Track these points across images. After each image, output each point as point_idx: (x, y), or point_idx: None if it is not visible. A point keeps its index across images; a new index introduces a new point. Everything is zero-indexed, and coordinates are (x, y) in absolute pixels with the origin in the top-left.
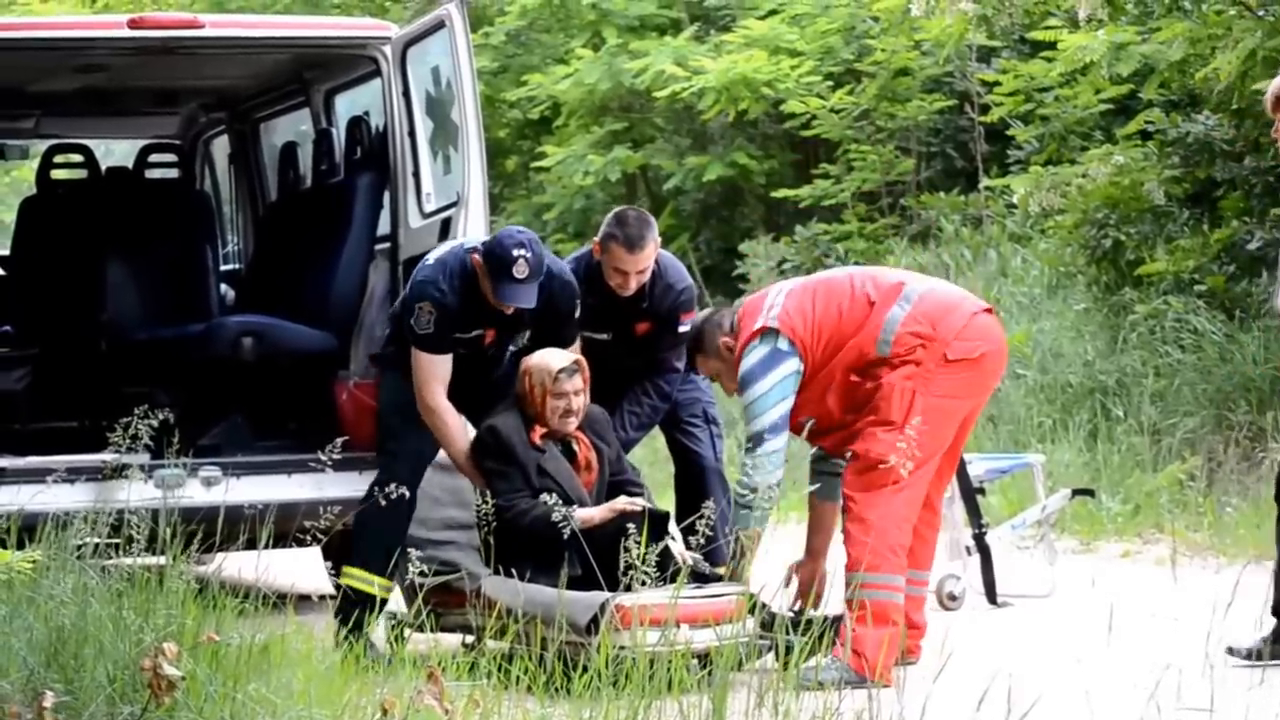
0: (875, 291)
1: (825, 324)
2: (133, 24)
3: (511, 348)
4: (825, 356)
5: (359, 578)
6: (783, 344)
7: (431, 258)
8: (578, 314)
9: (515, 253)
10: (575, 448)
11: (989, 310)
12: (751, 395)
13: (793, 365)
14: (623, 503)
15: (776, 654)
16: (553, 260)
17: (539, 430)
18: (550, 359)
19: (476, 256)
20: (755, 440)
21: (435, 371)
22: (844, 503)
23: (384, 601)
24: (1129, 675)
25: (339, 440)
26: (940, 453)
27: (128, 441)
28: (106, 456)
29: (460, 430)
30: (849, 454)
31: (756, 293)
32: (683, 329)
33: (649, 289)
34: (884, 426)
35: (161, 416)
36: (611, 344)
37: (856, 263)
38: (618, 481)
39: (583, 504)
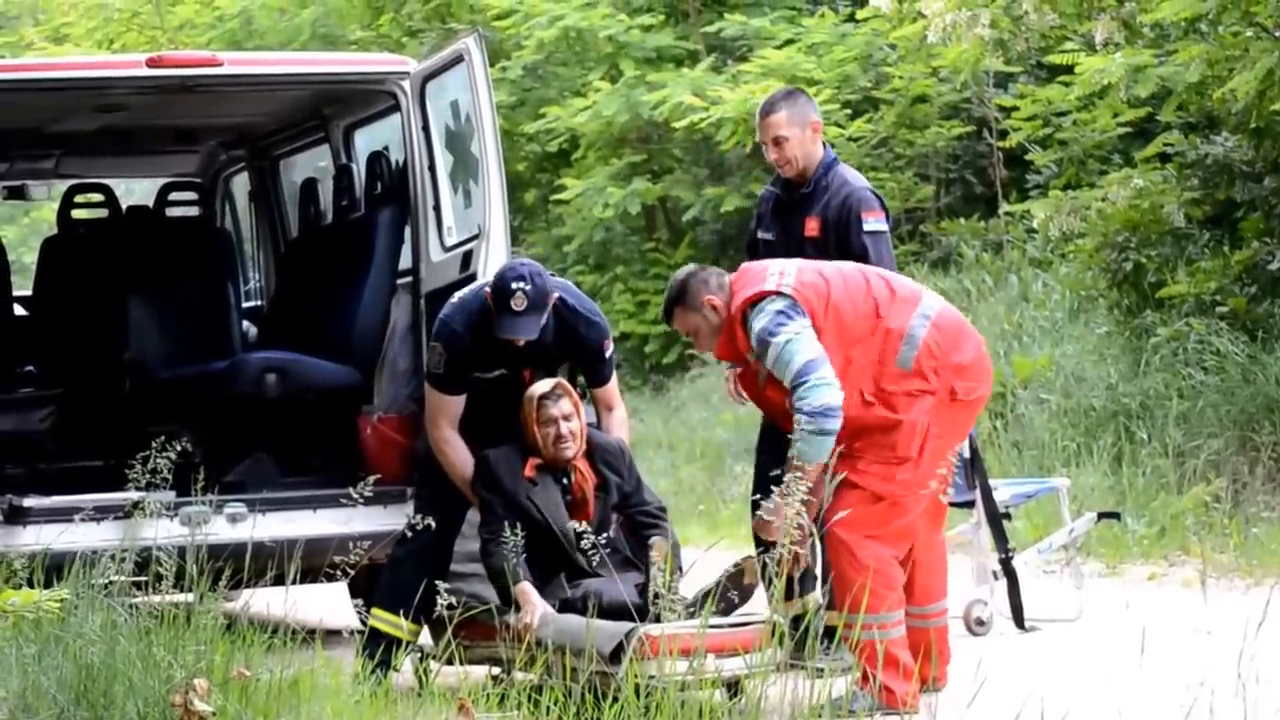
0: (891, 295)
1: (839, 307)
2: (152, 63)
3: None
4: (833, 340)
5: (387, 620)
6: (796, 309)
7: (456, 296)
8: (609, 353)
9: (514, 285)
10: (572, 478)
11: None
12: (778, 345)
13: (807, 323)
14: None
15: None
16: (580, 300)
17: (533, 462)
18: (536, 386)
19: (489, 291)
20: (801, 375)
21: (444, 408)
22: (833, 540)
23: (410, 642)
24: (1161, 695)
25: (371, 478)
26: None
27: (148, 476)
28: (133, 495)
29: (465, 460)
30: (841, 479)
31: (753, 262)
32: (869, 228)
33: (817, 180)
34: (899, 464)
35: (180, 448)
36: (775, 247)
37: None
38: (636, 512)
39: (565, 539)
